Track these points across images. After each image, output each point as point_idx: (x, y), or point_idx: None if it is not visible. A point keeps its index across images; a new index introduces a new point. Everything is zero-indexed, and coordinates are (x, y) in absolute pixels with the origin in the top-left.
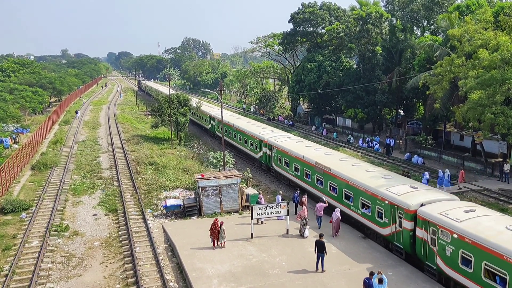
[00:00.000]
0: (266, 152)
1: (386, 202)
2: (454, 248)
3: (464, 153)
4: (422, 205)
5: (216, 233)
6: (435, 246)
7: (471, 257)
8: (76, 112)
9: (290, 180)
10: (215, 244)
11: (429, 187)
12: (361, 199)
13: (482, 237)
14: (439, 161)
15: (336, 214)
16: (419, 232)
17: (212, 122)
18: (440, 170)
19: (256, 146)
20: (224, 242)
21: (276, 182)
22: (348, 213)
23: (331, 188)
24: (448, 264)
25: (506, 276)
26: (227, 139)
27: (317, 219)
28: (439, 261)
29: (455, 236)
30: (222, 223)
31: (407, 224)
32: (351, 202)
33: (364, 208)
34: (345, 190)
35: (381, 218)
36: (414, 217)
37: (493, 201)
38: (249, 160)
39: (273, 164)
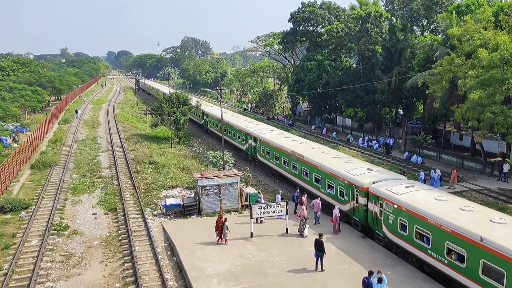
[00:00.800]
0: (251, 144)
1: (346, 182)
2: (394, 217)
3: (464, 153)
4: (374, 183)
5: (220, 228)
6: (381, 217)
7: (406, 223)
8: (76, 112)
9: (271, 169)
10: (219, 240)
11: (383, 169)
12: (327, 181)
13: (413, 206)
14: (439, 160)
15: (335, 211)
16: (371, 206)
17: (205, 118)
18: (432, 171)
19: (243, 139)
20: (226, 239)
21: (260, 171)
22: (318, 194)
23: (304, 173)
24: (390, 230)
25: (430, 235)
26: (217, 132)
27: (314, 216)
28: (384, 229)
29: (395, 206)
30: (225, 219)
31: (362, 200)
32: (320, 184)
33: (330, 189)
34: (315, 174)
35: (342, 196)
36: (367, 193)
37: (493, 200)
38: (237, 151)
39: (257, 154)
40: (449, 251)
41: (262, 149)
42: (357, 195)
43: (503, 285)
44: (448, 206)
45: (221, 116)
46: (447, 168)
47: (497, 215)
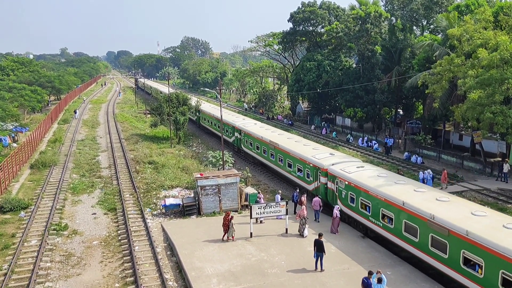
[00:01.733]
0: (237, 136)
1: (311, 165)
2: (346, 192)
3: (463, 153)
4: (332, 165)
5: (226, 225)
6: (337, 192)
7: (354, 196)
8: (75, 112)
9: (254, 158)
10: (224, 236)
11: (344, 155)
12: (297, 165)
13: (359, 181)
14: (438, 160)
15: (336, 211)
16: (329, 184)
17: (197, 114)
18: (420, 172)
19: (230, 132)
20: (233, 237)
21: (244, 160)
22: (290, 178)
23: (280, 159)
24: (344, 204)
25: (370, 204)
26: (208, 127)
27: (314, 214)
28: (339, 202)
29: (346, 183)
30: (232, 217)
31: (323, 179)
32: (291, 168)
33: (299, 172)
34: (288, 160)
35: (309, 177)
36: (326, 173)
37: (492, 200)
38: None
39: (241, 145)
40: (383, 216)
41: (246, 141)
42: (319, 175)
43: (416, 238)
44: (386, 180)
45: (221, 116)
46: (446, 168)
47: (420, 186)
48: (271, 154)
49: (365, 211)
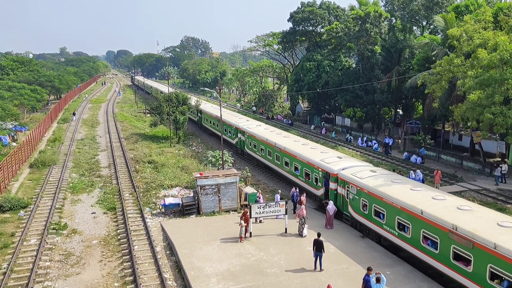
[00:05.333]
0: (240, 138)
1: (320, 169)
2: (358, 198)
3: (463, 153)
4: (343, 169)
5: (247, 220)
6: (348, 198)
7: (367, 203)
8: (74, 114)
9: (258, 160)
10: (246, 234)
11: (352, 158)
12: (305, 169)
13: (372, 187)
14: (438, 160)
15: (330, 207)
16: (339, 190)
17: (199, 114)
18: (411, 171)
19: (233, 133)
20: (241, 237)
21: (247, 162)
22: (297, 182)
23: (286, 163)
24: (355, 210)
25: (384, 212)
26: (211, 128)
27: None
28: (350, 209)
29: (359, 189)
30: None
31: (333, 185)
32: (298, 172)
33: (307, 176)
34: (294, 164)
35: (317, 182)
36: (336, 179)
37: (492, 200)
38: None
39: (245, 147)
40: (399, 225)
41: (250, 143)
42: (329, 180)
43: (436, 249)
44: (402, 187)
45: (220, 115)
46: (446, 168)
47: (439, 194)
48: (277, 157)
49: (378, 219)
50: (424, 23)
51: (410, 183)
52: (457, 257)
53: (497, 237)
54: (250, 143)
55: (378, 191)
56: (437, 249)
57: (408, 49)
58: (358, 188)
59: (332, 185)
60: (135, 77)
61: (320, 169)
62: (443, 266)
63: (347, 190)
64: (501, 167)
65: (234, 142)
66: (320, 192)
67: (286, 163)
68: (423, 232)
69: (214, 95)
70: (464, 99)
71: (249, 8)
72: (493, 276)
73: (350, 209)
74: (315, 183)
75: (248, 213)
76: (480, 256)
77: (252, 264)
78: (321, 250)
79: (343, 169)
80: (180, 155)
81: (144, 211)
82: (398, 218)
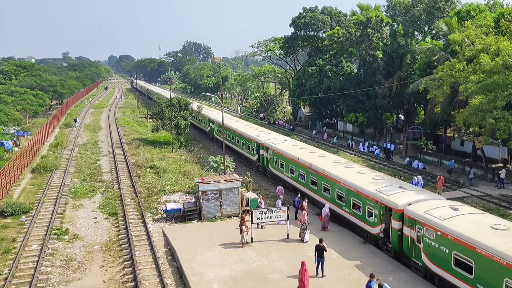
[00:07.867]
0: (262, 155)
1: (376, 202)
2: (437, 246)
3: (465, 158)
4: (409, 204)
5: (245, 226)
6: (420, 244)
7: (456, 257)
8: (75, 121)
9: (285, 181)
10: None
11: (417, 188)
12: (352, 199)
13: (463, 234)
14: (440, 166)
15: (325, 210)
16: (406, 230)
17: (211, 125)
18: (414, 177)
19: (252, 149)
20: (243, 243)
21: (273, 183)
22: (342, 214)
23: (325, 189)
24: (431, 259)
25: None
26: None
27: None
28: (424, 257)
29: (439, 233)
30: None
31: (395, 224)
32: (343, 202)
33: (355, 208)
34: (337, 191)
35: (371, 217)
36: (401, 216)
37: (494, 206)
38: (243, 160)
39: (269, 165)
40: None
41: (275, 161)
42: (389, 217)
43: None
44: (505, 234)
45: (222, 120)
46: (447, 174)
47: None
48: (312, 182)
49: (469, 275)
50: (426, 28)
51: (507, 224)
52: None
53: None
54: (275, 161)
55: (474, 240)
56: None
57: (410, 54)
58: (439, 233)
59: (394, 224)
60: (136, 81)
61: (376, 201)
62: None
63: (418, 233)
64: (499, 173)
65: (254, 159)
66: (376, 230)
67: (327, 190)
68: None
69: (213, 99)
70: (466, 104)
71: (251, 13)
72: None
73: (424, 257)
74: (368, 219)
75: (245, 219)
76: None
77: (253, 270)
78: (322, 256)
79: (410, 204)
80: (182, 160)
81: (146, 216)
82: (507, 281)
